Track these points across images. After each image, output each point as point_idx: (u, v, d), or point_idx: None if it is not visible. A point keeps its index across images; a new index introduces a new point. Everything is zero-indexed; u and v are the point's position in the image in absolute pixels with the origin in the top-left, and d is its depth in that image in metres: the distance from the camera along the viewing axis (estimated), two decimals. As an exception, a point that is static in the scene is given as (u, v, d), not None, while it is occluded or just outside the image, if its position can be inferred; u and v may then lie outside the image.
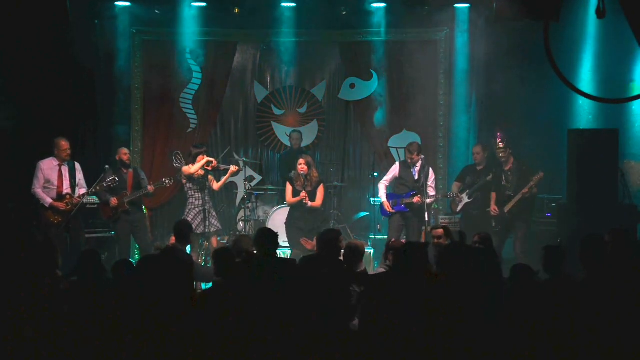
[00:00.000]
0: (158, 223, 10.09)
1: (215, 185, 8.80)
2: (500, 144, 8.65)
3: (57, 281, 4.72)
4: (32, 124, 8.85)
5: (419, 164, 8.67)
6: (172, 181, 8.71)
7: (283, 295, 4.48)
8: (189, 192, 8.67)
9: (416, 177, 8.65)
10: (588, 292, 4.59)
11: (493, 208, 8.65)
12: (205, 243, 8.77)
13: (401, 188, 8.78)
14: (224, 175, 8.80)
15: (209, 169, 8.67)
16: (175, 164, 9.25)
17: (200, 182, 8.61)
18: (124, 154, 8.64)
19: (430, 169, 8.77)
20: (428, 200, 8.50)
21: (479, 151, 9.00)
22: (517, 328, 4.12)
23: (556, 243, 7.55)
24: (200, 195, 8.61)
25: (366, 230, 9.92)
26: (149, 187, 8.51)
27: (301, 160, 8.65)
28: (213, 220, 8.65)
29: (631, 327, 4.26)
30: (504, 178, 8.66)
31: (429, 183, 8.63)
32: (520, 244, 8.46)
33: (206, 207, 8.59)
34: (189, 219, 8.45)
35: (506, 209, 8.53)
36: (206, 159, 8.61)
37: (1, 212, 8.33)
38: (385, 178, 8.92)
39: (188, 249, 7.62)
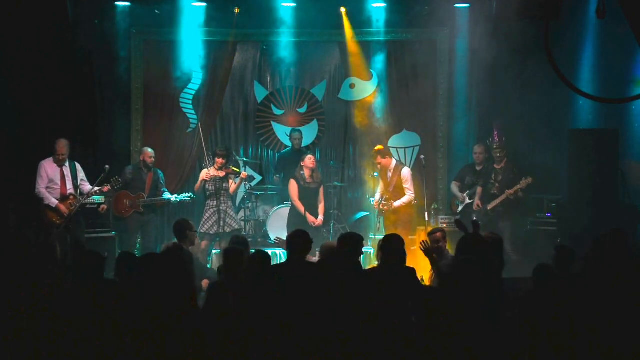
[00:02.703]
0: (158, 223, 10.06)
1: (231, 189, 8.82)
2: (497, 142, 8.63)
3: (57, 281, 4.71)
4: (32, 124, 8.84)
5: (392, 167, 8.64)
6: (191, 199, 8.80)
7: (285, 296, 4.49)
8: (207, 192, 8.76)
9: (388, 180, 8.64)
10: (590, 291, 4.60)
11: (477, 203, 8.64)
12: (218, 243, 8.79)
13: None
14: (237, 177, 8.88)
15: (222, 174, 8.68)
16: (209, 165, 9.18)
17: (216, 184, 8.64)
18: (149, 156, 8.77)
19: (405, 169, 8.65)
20: (396, 204, 8.48)
21: (482, 151, 8.95)
22: (535, 327, 4.14)
23: (557, 243, 7.57)
24: (215, 196, 8.66)
25: (366, 230, 9.92)
26: (172, 198, 8.67)
27: (308, 157, 8.87)
28: (229, 221, 8.67)
29: (632, 327, 4.26)
30: (492, 176, 8.65)
31: (406, 186, 8.56)
32: (510, 244, 8.42)
33: (221, 208, 8.62)
34: (204, 219, 8.61)
35: (489, 206, 8.52)
36: (204, 175, 8.65)
37: (1, 212, 8.32)
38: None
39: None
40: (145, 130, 10.05)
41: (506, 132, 8.86)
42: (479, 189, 8.73)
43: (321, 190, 8.89)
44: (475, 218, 8.52)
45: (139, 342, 3.97)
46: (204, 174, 8.71)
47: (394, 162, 8.76)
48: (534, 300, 4.45)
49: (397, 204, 8.54)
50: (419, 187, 8.73)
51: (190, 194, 8.83)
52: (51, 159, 8.27)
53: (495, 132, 8.74)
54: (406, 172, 8.63)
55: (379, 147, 8.85)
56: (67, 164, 8.31)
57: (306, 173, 8.75)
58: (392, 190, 8.57)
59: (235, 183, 8.81)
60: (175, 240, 6.76)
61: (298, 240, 5.35)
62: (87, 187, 8.33)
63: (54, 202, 8.13)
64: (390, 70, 10.15)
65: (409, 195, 8.57)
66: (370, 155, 9.89)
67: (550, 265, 4.78)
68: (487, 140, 8.85)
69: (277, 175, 10.08)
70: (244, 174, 8.87)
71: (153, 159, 8.81)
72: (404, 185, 8.56)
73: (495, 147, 8.68)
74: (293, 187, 8.79)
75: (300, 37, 10.07)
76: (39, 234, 7.99)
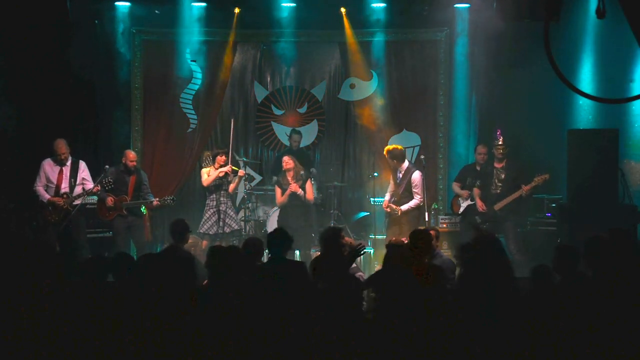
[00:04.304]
0: (158, 223, 10.07)
1: (230, 188, 8.79)
2: (501, 141, 8.61)
3: (57, 281, 4.71)
4: (32, 124, 8.85)
5: (404, 169, 8.49)
6: (174, 201, 8.68)
7: (285, 296, 4.49)
8: (206, 192, 8.75)
9: (398, 182, 8.50)
10: (595, 291, 4.59)
11: (480, 205, 8.60)
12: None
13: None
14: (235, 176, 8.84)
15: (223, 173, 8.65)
16: (203, 165, 9.10)
17: (215, 183, 8.63)
18: (131, 160, 8.50)
19: (416, 173, 8.42)
20: (404, 208, 8.33)
21: (485, 152, 8.89)
22: (534, 328, 4.14)
23: (557, 243, 7.56)
24: (215, 196, 8.66)
25: (366, 230, 9.92)
26: (154, 201, 8.51)
27: (285, 158, 8.82)
28: (229, 221, 8.66)
29: (632, 327, 4.26)
30: (494, 175, 8.62)
31: (415, 190, 8.38)
32: (514, 244, 8.39)
33: (221, 208, 8.61)
34: (204, 220, 8.59)
35: (497, 206, 8.49)
36: (218, 171, 8.61)
37: (1, 212, 8.33)
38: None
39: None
40: (145, 130, 10.06)
41: (506, 131, 8.84)
42: (477, 190, 8.68)
43: (307, 185, 8.78)
44: (479, 220, 8.53)
45: (138, 343, 3.97)
46: (216, 172, 8.62)
47: (406, 163, 8.58)
48: (532, 300, 4.45)
49: (404, 207, 8.39)
50: (422, 187, 8.64)
51: (173, 197, 8.73)
52: (51, 158, 8.26)
53: (499, 131, 8.70)
54: (416, 176, 8.40)
55: (391, 147, 8.63)
56: (69, 162, 8.29)
57: (288, 175, 8.71)
58: (401, 193, 8.44)
59: (234, 182, 8.80)
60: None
61: (276, 239, 5.45)
62: (89, 186, 8.30)
63: (46, 197, 8.13)
64: (390, 70, 10.14)
65: (416, 200, 8.37)
66: (378, 156, 9.86)
67: (548, 266, 4.77)
68: (492, 138, 8.79)
69: (276, 178, 10.10)
70: (241, 172, 8.83)
71: (135, 163, 8.56)
72: (413, 190, 8.38)
73: (498, 145, 8.62)
74: (277, 192, 8.81)
75: (300, 37, 10.09)
76: (37, 232, 8.01)
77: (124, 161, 8.53)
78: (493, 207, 8.51)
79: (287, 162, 8.74)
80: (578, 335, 4.21)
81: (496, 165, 8.63)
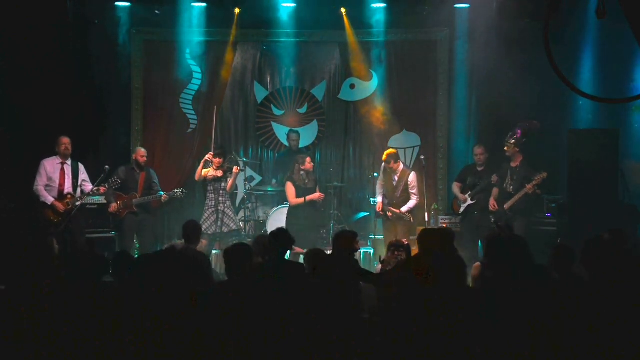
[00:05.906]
0: (158, 223, 10.06)
1: (227, 187, 8.79)
2: (512, 140, 8.56)
3: (57, 281, 4.71)
4: (32, 124, 8.85)
5: (399, 171, 8.54)
6: (184, 193, 8.70)
7: (287, 297, 4.49)
8: (205, 192, 8.77)
9: (395, 184, 8.53)
10: (593, 292, 4.59)
11: (492, 203, 8.60)
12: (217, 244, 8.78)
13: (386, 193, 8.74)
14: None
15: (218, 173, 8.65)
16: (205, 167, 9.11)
17: (214, 183, 8.63)
18: (141, 155, 8.67)
19: (412, 175, 8.52)
20: (403, 209, 8.39)
21: (482, 152, 8.90)
22: (526, 327, 4.14)
23: (557, 243, 7.56)
24: (213, 196, 8.68)
25: (366, 230, 9.92)
26: (163, 195, 8.54)
27: (308, 159, 8.86)
28: (227, 221, 8.67)
29: (632, 328, 4.26)
30: (509, 174, 8.60)
31: (412, 191, 8.45)
32: None
33: (219, 208, 8.62)
34: (202, 219, 8.58)
35: (506, 206, 8.47)
36: (203, 170, 8.65)
37: (1, 212, 8.32)
38: (379, 182, 8.90)
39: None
40: (145, 130, 10.07)
41: (506, 131, 8.82)
42: (495, 190, 8.67)
43: (317, 188, 8.94)
44: (492, 219, 8.52)
45: (138, 343, 3.98)
46: (206, 173, 8.66)
47: (401, 166, 8.65)
48: (528, 300, 4.44)
49: (404, 209, 8.43)
50: (419, 187, 8.67)
51: (182, 189, 8.75)
52: (53, 157, 8.26)
53: (518, 131, 8.62)
54: (413, 177, 8.51)
55: (392, 150, 8.73)
56: (69, 162, 8.30)
57: (305, 175, 8.73)
58: (398, 196, 8.48)
59: (230, 180, 8.78)
60: (179, 241, 6.74)
61: (279, 238, 5.47)
62: (89, 187, 8.31)
63: (50, 199, 8.11)
64: (390, 70, 10.15)
65: (414, 200, 8.46)
66: (378, 156, 9.83)
67: (543, 266, 4.76)
68: (507, 135, 8.74)
69: (275, 181, 10.12)
70: (236, 168, 8.79)
71: (145, 158, 8.73)
72: (411, 191, 8.45)
73: (507, 142, 8.55)
74: (290, 189, 8.76)
75: (300, 37, 10.09)
76: (37, 232, 8.00)
77: (134, 157, 8.70)
78: (503, 206, 8.49)
79: (311, 162, 8.86)
80: (576, 334, 4.21)
81: (511, 164, 8.61)
